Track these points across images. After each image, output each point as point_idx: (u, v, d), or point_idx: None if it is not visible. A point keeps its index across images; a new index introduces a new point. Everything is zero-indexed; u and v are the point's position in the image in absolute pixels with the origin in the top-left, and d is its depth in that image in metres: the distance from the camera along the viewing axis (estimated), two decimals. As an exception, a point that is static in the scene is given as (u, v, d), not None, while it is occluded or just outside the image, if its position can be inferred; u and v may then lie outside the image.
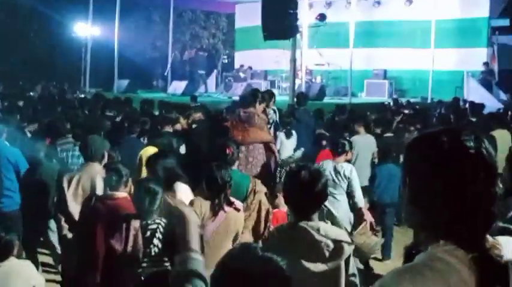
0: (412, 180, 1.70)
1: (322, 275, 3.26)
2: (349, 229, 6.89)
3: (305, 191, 3.39)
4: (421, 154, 1.69)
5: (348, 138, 8.85)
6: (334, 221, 6.78)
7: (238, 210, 4.71)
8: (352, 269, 3.46)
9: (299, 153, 9.50)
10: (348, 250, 3.36)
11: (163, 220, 4.42)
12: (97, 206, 4.69)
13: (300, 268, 3.19)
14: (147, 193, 4.40)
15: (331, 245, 3.29)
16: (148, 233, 4.31)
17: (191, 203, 4.75)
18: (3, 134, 7.17)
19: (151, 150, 7.07)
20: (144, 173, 6.71)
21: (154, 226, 4.33)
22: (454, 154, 1.62)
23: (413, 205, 1.70)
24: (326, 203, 6.87)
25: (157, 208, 4.48)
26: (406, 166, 1.75)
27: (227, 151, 5.74)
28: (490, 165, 1.63)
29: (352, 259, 3.45)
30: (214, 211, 4.61)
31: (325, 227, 3.41)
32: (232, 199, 4.75)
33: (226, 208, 4.63)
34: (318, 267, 3.25)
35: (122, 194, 4.78)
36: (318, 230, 3.31)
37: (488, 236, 1.63)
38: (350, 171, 6.93)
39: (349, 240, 3.43)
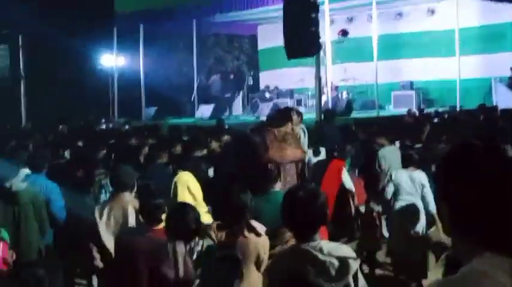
0: (451, 195, 1.65)
1: None
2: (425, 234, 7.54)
3: (302, 212, 3.32)
4: (458, 164, 1.65)
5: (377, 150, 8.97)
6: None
7: (259, 235, 4.56)
8: (362, 284, 3.38)
9: None
10: (354, 265, 3.29)
11: (204, 241, 4.42)
12: (137, 239, 4.68)
13: None
14: (187, 215, 4.43)
15: (337, 264, 3.22)
16: (195, 255, 4.30)
17: (209, 226, 4.70)
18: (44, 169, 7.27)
19: (185, 176, 7.11)
20: (181, 198, 6.75)
21: (199, 248, 4.34)
22: (492, 161, 1.59)
23: (453, 216, 1.65)
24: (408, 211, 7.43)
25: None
26: (443, 178, 1.70)
27: (270, 168, 5.72)
28: None
29: (359, 273, 3.37)
30: (232, 236, 4.48)
31: (328, 245, 3.32)
32: (254, 223, 4.63)
33: (246, 233, 4.49)
34: None
35: (160, 225, 4.79)
36: (321, 250, 3.24)
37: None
38: (424, 178, 7.51)
39: (354, 255, 3.36)
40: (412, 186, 7.51)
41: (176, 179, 7.09)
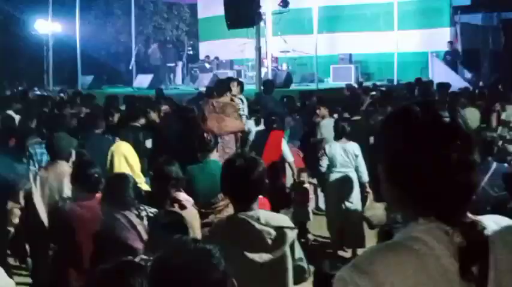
0: (387, 156, 1.64)
1: (268, 264, 3.20)
2: (360, 205, 7.68)
3: (241, 180, 3.30)
4: (395, 128, 1.63)
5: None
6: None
7: (184, 207, 4.49)
8: (299, 253, 3.40)
9: None
10: (291, 235, 3.30)
11: (144, 206, 4.35)
12: (76, 210, 4.55)
13: (244, 260, 3.13)
14: (127, 183, 4.35)
15: (274, 233, 3.22)
16: (145, 220, 4.22)
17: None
18: None
19: (122, 146, 6.98)
20: (118, 168, 6.63)
21: (144, 213, 4.27)
22: (428, 125, 1.57)
23: (389, 182, 1.64)
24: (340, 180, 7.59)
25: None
26: (381, 143, 1.69)
27: (205, 138, 5.72)
28: (465, 134, 1.58)
29: (296, 243, 3.39)
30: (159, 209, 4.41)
31: (266, 215, 3.32)
32: (180, 195, 4.57)
33: (170, 206, 4.43)
34: (263, 257, 3.19)
35: (96, 195, 4.67)
36: (258, 220, 3.23)
37: (469, 214, 1.58)
38: (357, 149, 7.70)
39: (291, 225, 3.36)
40: (346, 158, 7.68)
41: (113, 149, 6.96)
